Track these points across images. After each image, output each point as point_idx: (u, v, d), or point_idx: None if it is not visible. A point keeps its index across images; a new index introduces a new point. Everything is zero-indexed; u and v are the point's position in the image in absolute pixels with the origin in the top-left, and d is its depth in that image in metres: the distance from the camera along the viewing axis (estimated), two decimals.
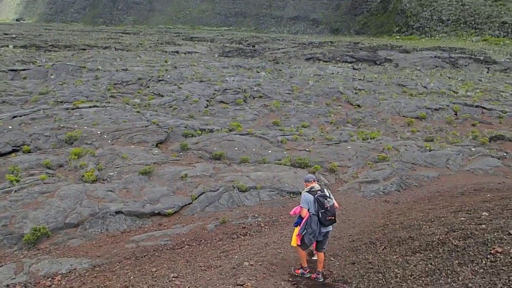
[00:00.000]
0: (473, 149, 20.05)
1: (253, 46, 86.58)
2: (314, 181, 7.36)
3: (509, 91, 39.23)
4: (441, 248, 6.59)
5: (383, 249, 7.64)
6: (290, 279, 7.05)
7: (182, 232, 11.30)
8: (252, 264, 7.35)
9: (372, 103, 31.44)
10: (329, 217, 6.94)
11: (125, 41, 79.87)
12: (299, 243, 7.17)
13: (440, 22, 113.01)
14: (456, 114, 28.59)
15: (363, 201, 13.80)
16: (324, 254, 7.52)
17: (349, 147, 19.93)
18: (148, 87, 34.09)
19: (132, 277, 7.87)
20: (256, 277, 6.71)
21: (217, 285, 6.31)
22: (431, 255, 6.52)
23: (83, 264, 9.37)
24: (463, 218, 7.49)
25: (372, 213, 12.08)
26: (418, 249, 6.96)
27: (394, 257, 7.11)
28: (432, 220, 8.13)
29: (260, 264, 7.42)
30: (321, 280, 7.15)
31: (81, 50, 60.80)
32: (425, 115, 27.97)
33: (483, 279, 5.20)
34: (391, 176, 16.21)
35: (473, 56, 67.31)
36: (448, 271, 5.83)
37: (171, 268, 8.08)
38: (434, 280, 5.78)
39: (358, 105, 31.25)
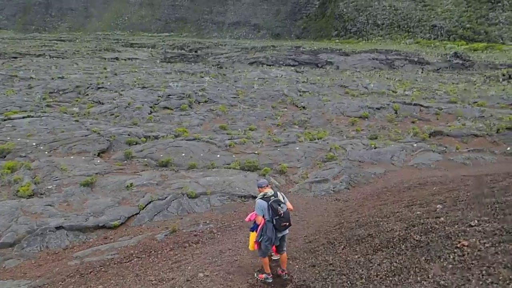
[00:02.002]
0: (415, 145, 20.79)
1: (196, 52, 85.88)
2: (267, 186, 7.18)
3: (443, 89, 41.34)
4: (403, 244, 6.39)
5: (343, 249, 7.40)
6: None
7: (130, 244, 10.68)
8: (207, 275, 6.82)
9: (317, 104, 31.94)
10: (284, 223, 6.86)
11: (61, 48, 76.35)
12: (257, 248, 7.09)
13: (376, 26, 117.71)
14: (396, 113, 29.65)
15: (315, 201, 13.80)
16: (285, 253, 7.49)
17: (297, 148, 20.00)
18: (87, 95, 32.65)
19: None
20: None
21: None
22: (394, 253, 6.30)
23: (21, 287, 8.57)
24: (418, 212, 7.42)
25: (324, 212, 12.06)
26: (379, 247, 6.74)
27: (356, 256, 6.83)
28: (388, 216, 8.04)
29: (216, 274, 6.93)
30: (286, 278, 7.13)
31: (12, 58, 57.52)
32: (367, 114, 28.78)
33: (454, 275, 4.96)
34: (339, 174, 16.38)
35: (408, 58, 70.55)
36: (416, 269, 5.54)
37: (119, 284, 7.48)
38: (402, 280, 5.48)
39: (303, 107, 31.62)
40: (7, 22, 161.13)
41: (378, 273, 5.92)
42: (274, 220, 6.79)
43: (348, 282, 6.15)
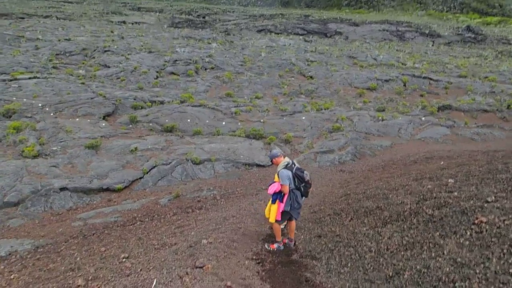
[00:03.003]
0: (423, 118, 20.50)
1: (204, 18, 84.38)
2: (282, 155, 7.13)
3: (453, 63, 40.53)
4: (414, 218, 6.10)
5: (350, 220, 7.21)
6: (254, 257, 6.50)
7: (133, 207, 10.69)
8: (211, 242, 6.67)
9: (324, 74, 31.44)
10: (309, 189, 6.95)
11: (68, 10, 75.19)
12: (279, 219, 6.95)
13: None
14: (405, 85, 29.16)
15: (319, 171, 13.71)
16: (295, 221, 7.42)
17: (303, 118, 19.78)
18: (94, 58, 32.26)
19: (78, 258, 7.22)
20: (217, 256, 6.05)
21: (173, 267, 5.58)
22: (405, 226, 6.02)
23: (25, 246, 8.61)
24: (429, 186, 7.18)
25: (329, 183, 11.98)
26: (388, 220, 6.48)
27: (364, 229, 6.60)
28: (397, 188, 7.88)
29: (220, 242, 6.77)
30: (292, 247, 7.11)
31: (19, 19, 56.62)
32: (375, 86, 28.31)
33: (472, 252, 4.65)
34: (345, 145, 16.23)
35: (419, 30, 69.07)
36: (430, 244, 5.22)
37: (122, 247, 7.47)
38: (415, 255, 5.18)
39: (311, 77, 31.14)
40: None
41: (389, 247, 5.68)
42: (301, 188, 6.81)
43: (356, 255, 5.96)
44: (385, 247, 5.74)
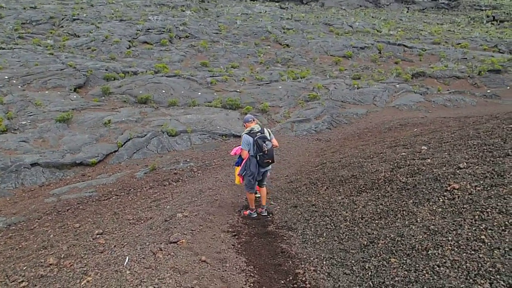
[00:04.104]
0: (397, 85, 20.63)
1: None
2: (253, 121, 7.10)
3: (427, 30, 40.69)
4: (388, 186, 6.08)
5: (325, 190, 7.22)
6: (230, 229, 6.42)
7: (108, 182, 10.51)
8: (186, 216, 6.54)
9: (301, 42, 31.14)
10: (267, 160, 6.86)
11: None
12: (242, 182, 7.22)
13: None
14: (380, 53, 29.20)
15: (296, 141, 13.71)
16: (267, 188, 7.55)
17: (280, 87, 19.64)
18: (62, 27, 31.06)
19: (51, 236, 7.07)
20: (192, 230, 5.92)
21: (147, 243, 5.48)
22: (379, 194, 5.97)
23: None
24: (404, 154, 7.22)
25: (305, 152, 12.00)
26: (363, 189, 6.46)
27: (339, 198, 6.60)
28: (372, 156, 7.90)
29: (196, 215, 6.63)
30: (265, 214, 7.20)
31: None
32: (351, 54, 28.25)
33: (444, 219, 4.64)
34: (322, 114, 16.24)
35: None
36: (404, 212, 5.22)
37: (97, 222, 7.34)
38: (389, 223, 5.17)
39: (287, 45, 30.84)
40: None
41: (363, 215, 5.71)
42: (258, 156, 6.80)
43: (332, 224, 5.98)
44: (360, 216, 5.76)
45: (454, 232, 4.36)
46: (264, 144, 6.72)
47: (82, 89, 18.03)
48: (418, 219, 4.96)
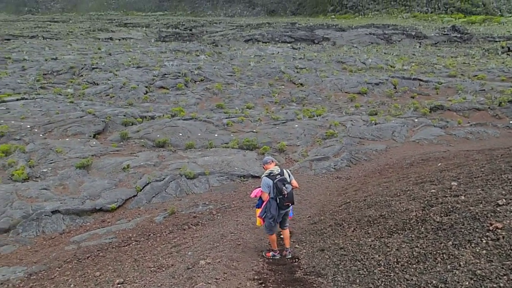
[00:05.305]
0: (416, 120, 20.43)
1: (190, 30, 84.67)
2: (272, 162, 7.16)
3: (442, 63, 40.77)
4: (422, 226, 5.70)
5: (353, 231, 6.89)
6: (256, 277, 6.14)
7: (128, 227, 10.41)
8: (209, 263, 6.32)
9: (314, 81, 31.41)
10: (287, 203, 6.82)
11: (54, 30, 75.05)
12: (263, 223, 7.17)
13: (372, 0, 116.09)
14: (395, 88, 29.19)
15: (316, 179, 13.51)
16: (289, 229, 7.46)
17: (296, 125, 19.63)
18: (82, 75, 32.01)
19: (72, 285, 6.92)
20: (216, 279, 5.65)
21: None
22: (413, 236, 5.60)
23: (18, 273, 8.31)
24: (433, 190, 6.85)
25: (326, 191, 11.77)
26: (394, 229, 6.12)
27: (369, 240, 6.23)
28: (398, 194, 7.60)
29: (219, 262, 6.41)
30: (290, 257, 7.06)
31: (4, 40, 56.39)
32: (366, 90, 28.31)
33: (491, 263, 4.23)
34: (340, 151, 16.07)
35: (405, 32, 69.75)
36: (444, 255, 4.79)
37: (117, 271, 7.17)
38: (429, 268, 4.74)
39: (301, 84, 31.10)
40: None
41: (399, 259, 5.28)
42: (278, 199, 6.75)
43: (365, 269, 5.55)
44: (395, 259, 5.37)
45: (505, 277, 3.96)
46: (284, 187, 6.69)
47: (101, 135, 18.27)
48: (461, 263, 4.59)
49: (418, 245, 5.40)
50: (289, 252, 7.15)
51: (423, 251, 5.20)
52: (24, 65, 34.27)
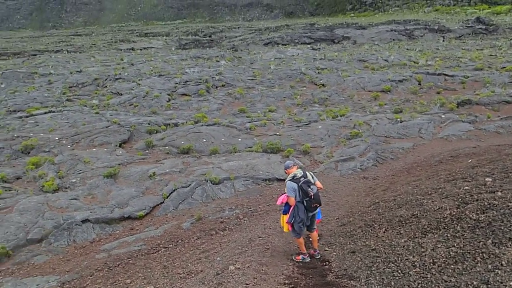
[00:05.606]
0: (443, 116, 20.00)
1: (210, 36, 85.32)
2: (294, 165, 7.16)
3: (467, 56, 39.85)
4: (458, 225, 5.46)
5: (384, 232, 6.70)
6: (286, 281, 6.01)
7: (156, 234, 10.50)
8: (238, 268, 6.28)
9: (336, 81, 31.15)
10: (314, 204, 6.78)
11: (77, 43, 76.90)
12: (291, 229, 7.08)
13: None
14: (420, 84, 28.65)
15: (342, 180, 13.36)
16: (317, 232, 7.45)
17: (319, 126, 19.48)
18: (106, 86, 32.64)
19: None
20: (246, 284, 5.57)
21: None
22: (448, 235, 5.37)
23: (51, 282, 8.48)
24: (467, 187, 6.59)
25: (353, 192, 11.62)
26: (428, 229, 5.87)
27: (402, 240, 6.01)
28: (429, 192, 7.37)
29: (248, 267, 6.37)
30: (318, 257, 7.09)
31: (31, 56, 58.14)
32: (390, 87, 27.89)
33: None
34: (366, 151, 15.86)
35: (427, 26, 68.48)
36: (483, 254, 4.57)
37: (147, 277, 7.23)
38: (468, 268, 4.54)
39: (323, 84, 30.89)
40: (24, 22, 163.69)
41: (435, 260, 5.06)
42: (305, 202, 6.71)
43: (399, 271, 5.36)
44: (431, 260, 5.16)
45: None
46: (309, 189, 6.66)
47: (127, 144, 18.55)
48: (503, 262, 4.38)
49: (455, 244, 5.21)
50: (317, 252, 7.15)
51: (461, 251, 5.01)
52: (50, 79, 35.19)
